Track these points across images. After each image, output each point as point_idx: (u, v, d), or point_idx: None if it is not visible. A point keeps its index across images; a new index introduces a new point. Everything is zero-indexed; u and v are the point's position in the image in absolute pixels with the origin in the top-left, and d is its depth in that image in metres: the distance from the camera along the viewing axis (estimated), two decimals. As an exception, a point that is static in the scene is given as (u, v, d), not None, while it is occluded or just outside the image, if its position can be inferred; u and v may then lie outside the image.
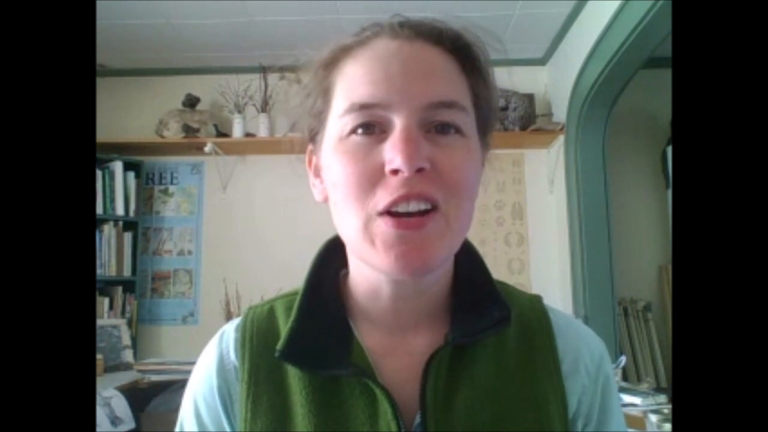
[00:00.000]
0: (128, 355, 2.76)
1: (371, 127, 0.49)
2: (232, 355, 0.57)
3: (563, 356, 0.56)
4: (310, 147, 0.58)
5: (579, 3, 2.61)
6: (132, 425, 2.17)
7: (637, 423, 1.56)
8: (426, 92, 0.49)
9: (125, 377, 2.46)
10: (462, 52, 0.53)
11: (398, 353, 0.55)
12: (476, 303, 0.56)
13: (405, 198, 0.46)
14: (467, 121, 0.51)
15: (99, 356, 2.57)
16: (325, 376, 0.53)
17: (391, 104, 0.48)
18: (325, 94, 0.53)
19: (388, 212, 0.47)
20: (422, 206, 0.47)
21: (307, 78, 0.55)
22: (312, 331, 0.55)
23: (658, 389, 2.60)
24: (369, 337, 0.56)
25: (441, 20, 0.53)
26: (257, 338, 0.57)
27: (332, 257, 0.60)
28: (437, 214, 0.48)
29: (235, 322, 0.60)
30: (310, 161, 0.58)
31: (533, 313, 0.59)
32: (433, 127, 0.49)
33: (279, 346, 0.53)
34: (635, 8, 2.11)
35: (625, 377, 2.85)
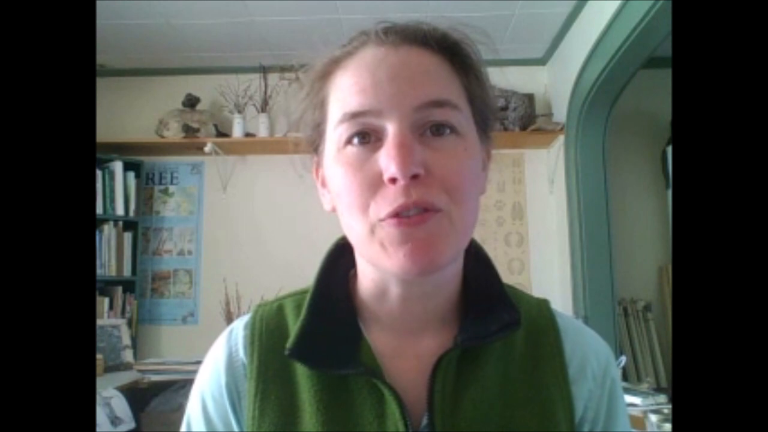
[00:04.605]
0: (128, 355, 2.76)
1: (367, 136, 0.49)
2: (241, 352, 0.57)
3: (570, 361, 0.56)
4: (315, 159, 0.58)
5: (579, 3, 2.61)
6: (132, 425, 2.16)
7: (637, 423, 1.56)
8: (415, 94, 0.48)
9: (125, 377, 2.46)
10: (450, 51, 0.52)
11: (407, 355, 0.55)
12: (485, 306, 0.56)
13: (404, 207, 0.47)
14: (462, 119, 0.51)
15: (99, 356, 2.57)
16: (334, 375, 0.53)
17: (382, 111, 0.48)
18: (321, 106, 0.54)
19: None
20: (422, 210, 0.47)
21: (304, 91, 0.56)
22: (321, 330, 0.55)
23: (658, 389, 2.60)
24: (377, 338, 0.56)
25: (426, 22, 0.53)
26: (266, 336, 0.57)
27: (341, 257, 0.60)
28: (438, 214, 0.48)
29: (244, 319, 0.60)
30: (317, 172, 0.59)
31: (541, 318, 0.59)
32: (428, 129, 0.49)
33: (288, 344, 0.53)
34: (635, 8, 2.11)
35: (625, 377, 2.85)
